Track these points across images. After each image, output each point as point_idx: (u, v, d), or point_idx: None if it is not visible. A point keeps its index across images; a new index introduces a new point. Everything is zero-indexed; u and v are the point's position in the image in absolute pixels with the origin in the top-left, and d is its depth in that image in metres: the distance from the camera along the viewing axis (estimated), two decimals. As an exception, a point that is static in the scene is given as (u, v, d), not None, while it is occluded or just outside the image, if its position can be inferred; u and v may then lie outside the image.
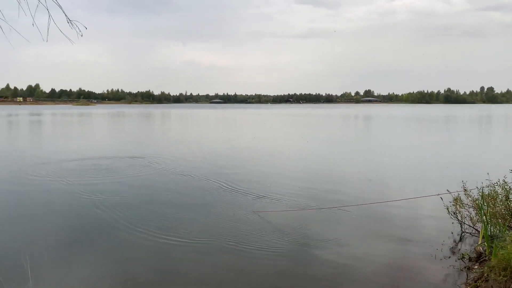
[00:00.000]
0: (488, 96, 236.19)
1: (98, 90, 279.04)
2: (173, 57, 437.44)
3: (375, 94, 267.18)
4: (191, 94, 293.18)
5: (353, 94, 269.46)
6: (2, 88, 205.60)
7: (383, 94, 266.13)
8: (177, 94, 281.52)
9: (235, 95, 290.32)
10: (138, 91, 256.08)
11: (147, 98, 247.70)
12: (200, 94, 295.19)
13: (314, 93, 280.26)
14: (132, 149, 21.89)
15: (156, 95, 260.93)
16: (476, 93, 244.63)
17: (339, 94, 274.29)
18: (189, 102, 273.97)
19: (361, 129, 42.33)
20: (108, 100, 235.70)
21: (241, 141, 27.00)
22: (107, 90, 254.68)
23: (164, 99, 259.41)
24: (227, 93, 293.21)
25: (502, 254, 4.82)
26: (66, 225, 8.61)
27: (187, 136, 31.92)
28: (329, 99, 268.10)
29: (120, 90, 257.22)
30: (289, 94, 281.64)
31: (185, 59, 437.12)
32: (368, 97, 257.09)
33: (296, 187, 12.02)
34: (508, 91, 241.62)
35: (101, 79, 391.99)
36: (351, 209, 9.25)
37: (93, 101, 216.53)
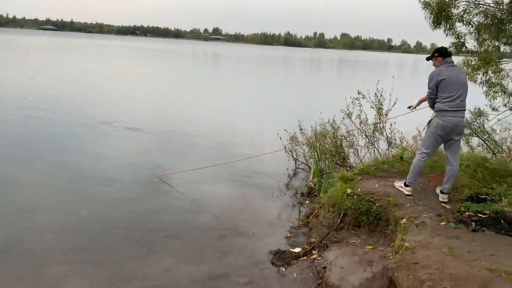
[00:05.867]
0: (319, 41, 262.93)
1: None
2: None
3: (223, 32, 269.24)
4: (14, 17, 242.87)
5: (202, 31, 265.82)
6: None
7: (231, 33, 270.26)
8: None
9: (72, 22, 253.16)
10: None
11: None
12: (26, 18, 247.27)
13: (162, 27, 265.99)
14: None
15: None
16: (310, 38, 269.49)
17: (188, 30, 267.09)
18: (12, 26, 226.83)
19: (213, 70, 42.20)
20: None
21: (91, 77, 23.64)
22: None
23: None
24: (61, 19, 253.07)
25: (331, 191, 5.06)
26: None
27: (30, 68, 26.36)
28: (177, 35, 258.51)
29: None
30: (135, 26, 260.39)
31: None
32: (216, 35, 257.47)
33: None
34: (335, 38, 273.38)
35: None
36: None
37: None
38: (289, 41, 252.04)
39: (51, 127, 10.88)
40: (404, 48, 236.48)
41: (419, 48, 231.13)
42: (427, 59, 4.80)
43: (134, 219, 5.87)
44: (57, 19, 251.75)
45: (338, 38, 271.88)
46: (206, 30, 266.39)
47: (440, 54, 4.60)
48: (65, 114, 12.41)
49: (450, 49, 4.96)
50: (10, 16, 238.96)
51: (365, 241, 4.41)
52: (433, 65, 4.68)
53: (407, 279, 3.16)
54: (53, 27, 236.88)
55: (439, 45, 5.01)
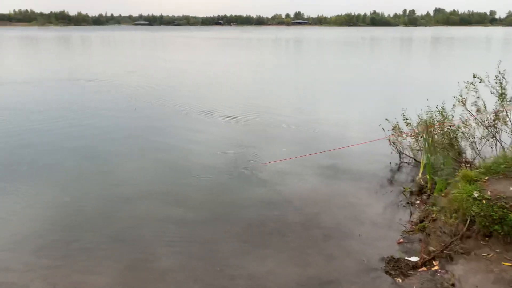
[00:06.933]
0: (410, 19, 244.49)
1: (2, 10, 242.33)
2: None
3: (305, 16, 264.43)
4: (112, 15, 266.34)
5: (283, 16, 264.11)
6: None
7: (313, 16, 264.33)
8: (97, 15, 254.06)
9: (161, 16, 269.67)
10: (51, 12, 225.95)
11: (62, 19, 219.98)
12: (122, 15, 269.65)
13: (244, 15, 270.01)
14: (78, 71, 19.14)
15: (73, 16, 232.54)
16: (399, 16, 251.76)
17: (270, 16, 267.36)
18: (111, 24, 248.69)
19: (294, 56, 41.61)
20: (16, 21, 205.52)
21: (187, 68, 24.94)
22: (14, 10, 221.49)
23: (82, 20, 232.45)
24: (152, 14, 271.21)
25: (453, 194, 4.43)
26: None
27: (130, 61, 28.81)
28: (260, 21, 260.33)
29: (29, 10, 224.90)
30: (219, 16, 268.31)
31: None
32: (298, 20, 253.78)
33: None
34: (427, 14, 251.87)
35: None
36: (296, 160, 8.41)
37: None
38: (376, 20, 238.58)
39: (152, 118, 11.50)
40: (510, 20, 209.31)
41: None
42: None
43: (232, 212, 5.85)
44: (148, 14, 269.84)
45: (431, 14, 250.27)
46: (288, 15, 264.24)
47: None
48: (163, 104, 13.09)
49: None
50: (109, 14, 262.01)
51: (501, 256, 3.76)
52: None
53: None
54: (146, 22, 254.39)
55: None
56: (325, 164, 7.56)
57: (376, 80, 19.18)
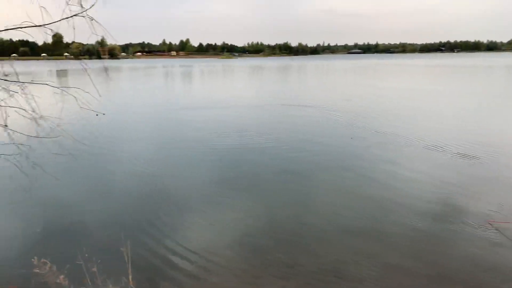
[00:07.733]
0: None
1: (239, 43, 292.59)
2: (311, 6, 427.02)
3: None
4: (328, 44, 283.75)
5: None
6: (160, 43, 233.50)
7: None
8: (314, 45, 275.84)
9: (376, 45, 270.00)
10: (276, 44, 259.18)
11: (284, 50, 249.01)
12: (338, 44, 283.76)
13: (472, 40, 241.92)
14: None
15: (294, 46, 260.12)
16: None
17: (505, 41, 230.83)
18: (326, 53, 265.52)
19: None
20: (249, 53, 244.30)
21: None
22: (248, 43, 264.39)
23: (301, 50, 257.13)
24: (367, 43, 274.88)
25: None
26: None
27: (344, 89, 30.28)
28: (491, 47, 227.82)
29: (259, 43, 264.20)
30: (440, 42, 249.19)
31: (324, 7, 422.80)
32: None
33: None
34: None
35: (242, 32, 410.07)
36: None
37: (234, 54, 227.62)
38: None
39: (367, 149, 11.19)
40: None
41: None
42: None
43: (459, 271, 5.16)
44: (363, 43, 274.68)
45: None
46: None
47: None
48: (379, 135, 12.63)
49: None
50: (325, 44, 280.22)
51: None
52: None
53: None
54: (360, 50, 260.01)
55: None
56: None
57: None
